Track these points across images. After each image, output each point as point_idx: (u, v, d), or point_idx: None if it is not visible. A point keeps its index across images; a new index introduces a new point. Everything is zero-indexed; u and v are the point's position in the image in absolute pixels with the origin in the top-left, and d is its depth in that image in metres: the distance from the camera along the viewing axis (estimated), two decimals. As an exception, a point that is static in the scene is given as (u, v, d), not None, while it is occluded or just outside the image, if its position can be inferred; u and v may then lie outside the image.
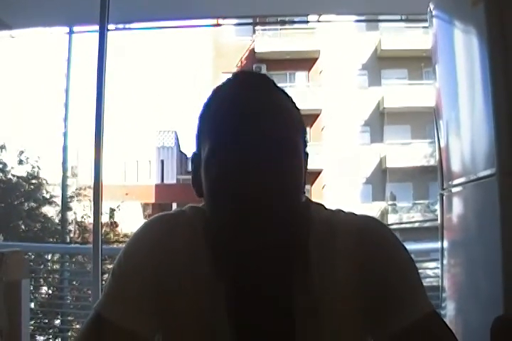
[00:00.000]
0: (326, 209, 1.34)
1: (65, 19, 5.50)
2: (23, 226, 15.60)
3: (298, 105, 1.29)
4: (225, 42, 26.83)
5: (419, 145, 25.47)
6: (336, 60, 26.38)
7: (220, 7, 5.14)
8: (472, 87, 2.79)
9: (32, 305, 6.04)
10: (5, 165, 16.05)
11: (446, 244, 3.32)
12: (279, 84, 1.29)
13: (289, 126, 1.21)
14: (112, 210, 17.42)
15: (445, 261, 3.34)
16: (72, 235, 16.32)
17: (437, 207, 3.55)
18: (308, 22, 18.81)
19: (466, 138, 2.95)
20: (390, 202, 26.12)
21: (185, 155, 26.96)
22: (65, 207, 15.51)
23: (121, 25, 5.88)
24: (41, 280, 7.16)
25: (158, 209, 23.84)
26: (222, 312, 1.22)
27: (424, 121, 21.71)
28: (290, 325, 1.21)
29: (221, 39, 26.89)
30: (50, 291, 7.27)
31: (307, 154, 1.29)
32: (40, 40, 21.91)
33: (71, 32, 7.15)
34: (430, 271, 5.10)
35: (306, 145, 1.28)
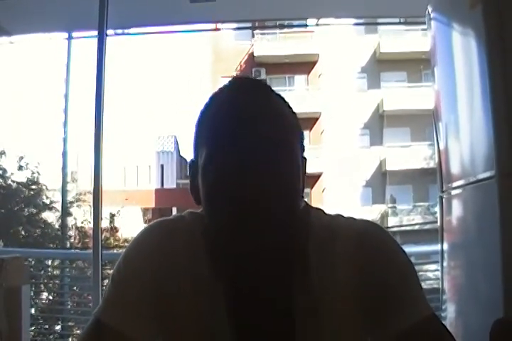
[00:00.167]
0: (325, 214, 1.34)
1: (64, 25, 5.51)
2: (23, 232, 15.60)
3: (296, 109, 1.30)
4: (224, 47, 26.85)
5: (418, 147, 25.47)
6: (335, 63, 26.40)
7: (219, 11, 5.14)
8: (471, 89, 2.79)
9: (32, 310, 6.04)
10: (5, 170, 16.05)
11: (446, 246, 3.32)
12: (278, 88, 1.30)
13: (286, 129, 1.22)
14: (112, 215, 17.41)
15: (445, 264, 3.34)
16: (72, 240, 16.34)
17: (437, 209, 3.55)
18: (307, 25, 18.79)
19: (465, 141, 2.95)
20: (390, 205, 26.11)
21: (185, 160, 26.92)
22: (65, 213, 15.52)
23: (120, 31, 5.89)
24: (41, 285, 7.16)
25: (158, 213, 23.85)
26: (221, 314, 1.23)
27: (423, 124, 21.69)
28: (290, 326, 1.22)
29: (220, 43, 26.91)
30: (50, 297, 7.26)
31: (305, 158, 1.30)
32: (40, 45, 21.92)
33: (70, 37, 7.17)
34: (431, 273, 5.11)
35: (303, 150, 1.28)
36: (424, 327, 1.19)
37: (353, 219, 1.33)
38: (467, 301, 2.95)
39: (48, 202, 16.43)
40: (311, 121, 25.16)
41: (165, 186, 27.27)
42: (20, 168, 15.98)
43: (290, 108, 1.29)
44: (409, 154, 25.68)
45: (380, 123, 26.74)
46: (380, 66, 26.91)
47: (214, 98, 1.27)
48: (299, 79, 27.39)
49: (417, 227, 23.91)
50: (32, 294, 5.78)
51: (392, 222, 25.14)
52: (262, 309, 1.23)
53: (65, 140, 11.34)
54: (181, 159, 27.29)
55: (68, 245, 15.46)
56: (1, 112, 21.86)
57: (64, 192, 14.61)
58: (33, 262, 6.19)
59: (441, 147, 3.32)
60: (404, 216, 25.78)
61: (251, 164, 1.15)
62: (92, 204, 4.43)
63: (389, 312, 1.20)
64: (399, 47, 25.81)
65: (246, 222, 1.14)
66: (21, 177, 16.08)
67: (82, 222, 16.26)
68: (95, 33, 4.51)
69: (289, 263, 1.24)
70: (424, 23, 3.47)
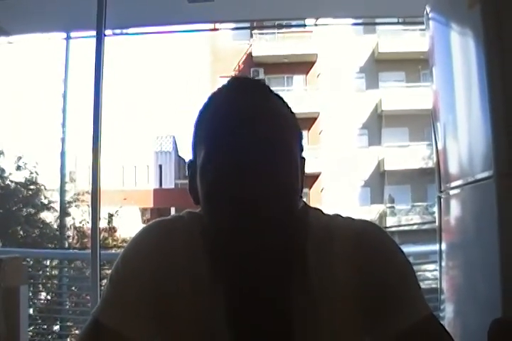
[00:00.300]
0: (324, 214, 1.34)
1: (63, 25, 5.51)
2: (21, 232, 15.57)
3: (295, 109, 1.30)
4: (222, 47, 26.85)
5: (417, 147, 25.48)
6: (334, 63, 26.40)
7: (217, 11, 5.14)
8: (469, 89, 2.79)
9: (31, 310, 6.04)
10: (3, 170, 16.02)
11: (444, 246, 3.32)
12: (276, 88, 1.30)
13: (284, 129, 1.22)
14: (111, 215, 17.37)
15: (443, 263, 3.34)
16: (70, 240, 16.31)
17: (435, 209, 3.55)
18: (305, 25, 18.80)
19: (464, 141, 2.95)
20: (389, 205, 26.12)
21: (184, 160, 26.89)
22: (64, 213, 15.50)
23: (118, 31, 5.89)
24: (40, 286, 7.15)
25: (156, 213, 23.84)
26: (220, 313, 1.22)
27: (422, 124, 21.67)
28: (289, 327, 1.22)
29: (218, 43, 26.91)
30: (48, 297, 7.25)
31: (304, 158, 1.29)
32: (38, 45, 21.89)
33: (68, 37, 7.16)
34: (429, 273, 5.11)
35: (302, 150, 1.28)
36: (422, 327, 1.19)
37: (351, 219, 1.33)
38: (465, 301, 2.95)
39: (46, 202, 16.40)
40: (310, 121, 25.16)
41: (163, 186, 27.26)
42: (18, 168, 15.96)
43: (289, 108, 1.29)
44: (407, 154, 25.69)
45: (378, 123, 26.75)
46: (378, 66, 26.92)
47: (212, 98, 1.27)
48: (298, 79, 27.40)
49: (415, 227, 23.92)
50: (30, 294, 5.78)
51: (390, 221, 25.15)
52: (261, 309, 1.23)
53: (63, 140, 11.34)
54: (180, 159, 27.27)
55: (66, 245, 15.44)
56: (0, 112, 21.83)
57: (62, 192, 14.60)
58: (31, 262, 6.19)
59: (440, 147, 3.32)
60: (402, 216, 25.79)
61: (249, 164, 1.14)
62: (90, 204, 4.43)
63: (387, 312, 1.20)
64: (397, 47, 25.81)
65: (244, 222, 1.14)
66: (19, 177, 16.05)
67: (81, 222, 16.23)
68: (93, 33, 4.51)
69: (288, 263, 1.24)
70: (422, 23, 3.47)
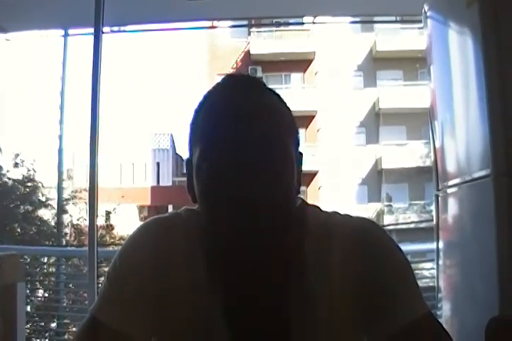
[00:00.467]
0: (321, 211, 1.34)
1: (60, 22, 5.50)
2: (18, 230, 15.57)
3: (293, 107, 1.29)
4: (220, 44, 26.84)
5: (414, 146, 25.48)
6: (331, 61, 26.41)
7: (215, 9, 5.14)
8: (467, 88, 2.79)
9: (28, 308, 6.03)
10: (0, 168, 16.00)
11: (441, 244, 3.32)
12: (274, 86, 1.30)
13: (280, 126, 1.22)
14: (108, 213, 17.39)
15: (441, 262, 3.34)
16: (68, 238, 16.30)
17: (433, 207, 3.55)
18: (303, 23, 18.82)
19: (461, 139, 2.96)
20: (386, 203, 26.14)
21: (181, 158, 26.92)
22: (61, 210, 15.46)
23: (116, 28, 5.89)
24: (37, 283, 7.13)
25: (154, 211, 23.82)
26: (218, 312, 1.22)
27: (419, 122, 21.73)
28: (287, 325, 1.22)
29: (216, 41, 26.90)
30: (46, 294, 7.24)
31: (301, 154, 1.29)
32: (36, 42, 21.87)
33: (66, 35, 7.13)
34: (426, 272, 5.11)
35: (298, 146, 1.28)
36: (420, 326, 1.19)
37: (349, 216, 1.32)
38: (463, 299, 2.95)
39: (43, 199, 16.40)
40: (307, 119, 25.16)
41: (161, 184, 27.25)
42: (16, 165, 15.95)
43: (285, 104, 1.29)
44: (405, 152, 25.70)
45: (376, 122, 26.76)
46: (376, 64, 26.92)
47: (208, 95, 1.27)
48: (295, 77, 27.38)
49: (412, 226, 23.91)
50: (27, 291, 5.78)
51: (388, 220, 25.17)
52: (259, 307, 1.23)
53: (60, 137, 11.30)
54: (177, 157, 27.27)
55: (64, 242, 15.40)
56: (-3, 109, 21.79)
57: (60, 189, 14.54)
58: (28, 259, 6.19)
59: (437, 145, 3.32)
60: (400, 214, 25.81)
61: (245, 161, 1.14)
62: (87, 201, 4.42)
63: (385, 311, 1.20)
64: (395, 46, 25.81)
65: (241, 220, 1.14)
66: (17, 174, 16.04)
67: (78, 220, 16.22)
68: (91, 30, 4.51)
69: (285, 261, 1.23)
70: (420, 21, 3.46)
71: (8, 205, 15.73)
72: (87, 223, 4.62)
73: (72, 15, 5.01)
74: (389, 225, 23.98)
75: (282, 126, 1.23)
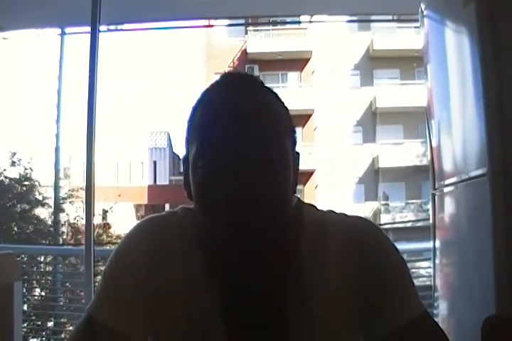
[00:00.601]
0: (317, 210, 1.34)
1: (57, 21, 5.50)
2: (15, 228, 15.53)
3: (289, 106, 1.29)
4: (217, 43, 26.81)
5: (411, 144, 25.49)
6: (328, 60, 26.40)
7: (212, 8, 5.13)
8: (463, 87, 2.80)
9: (25, 307, 6.03)
10: (-3, 166, 15.99)
11: (438, 243, 3.32)
12: (271, 85, 1.29)
13: (277, 125, 1.22)
14: (105, 212, 17.35)
15: (437, 261, 3.35)
16: (64, 237, 16.28)
17: (430, 206, 3.56)
18: (300, 22, 18.85)
19: (458, 138, 2.96)
20: (383, 202, 26.14)
21: (178, 156, 26.84)
22: (58, 209, 15.46)
23: (112, 27, 5.88)
24: (34, 282, 7.14)
25: (150, 210, 23.81)
26: (215, 311, 1.22)
27: (416, 121, 21.68)
28: (284, 324, 1.22)
29: (213, 40, 26.87)
30: (43, 293, 7.25)
31: (298, 154, 1.29)
32: (33, 41, 21.84)
33: (63, 33, 7.14)
34: (423, 271, 5.11)
35: (295, 145, 1.28)
36: (416, 325, 1.19)
37: (344, 215, 1.32)
38: (459, 298, 2.96)
39: (40, 198, 16.35)
40: (304, 118, 25.15)
41: (158, 182, 27.21)
42: (12, 163, 15.91)
43: (282, 103, 1.29)
44: (401, 151, 25.70)
45: (372, 121, 26.75)
46: (373, 63, 26.91)
47: (205, 94, 1.27)
48: (292, 76, 27.37)
49: (409, 224, 23.94)
50: (24, 290, 5.77)
51: (384, 219, 25.17)
52: (256, 306, 1.23)
53: (57, 136, 11.29)
54: (174, 155, 27.23)
55: (61, 241, 15.40)
56: (-6, 108, 21.75)
57: (56, 188, 14.57)
58: (25, 258, 6.20)
59: (434, 144, 3.33)
60: (396, 213, 25.81)
61: (241, 159, 1.14)
62: (84, 200, 4.43)
63: (381, 310, 1.20)
64: (392, 45, 25.80)
65: (237, 219, 1.13)
66: (14, 173, 16.00)
67: (75, 218, 16.19)
68: (88, 28, 4.50)
69: (282, 260, 1.23)
70: (417, 20, 3.47)
71: (4, 204, 15.69)
72: (83, 222, 4.62)
73: (69, 14, 5.00)
74: (386, 224, 23.98)
75: (279, 125, 1.23)
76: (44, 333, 6.77)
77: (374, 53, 26.77)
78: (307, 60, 27.10)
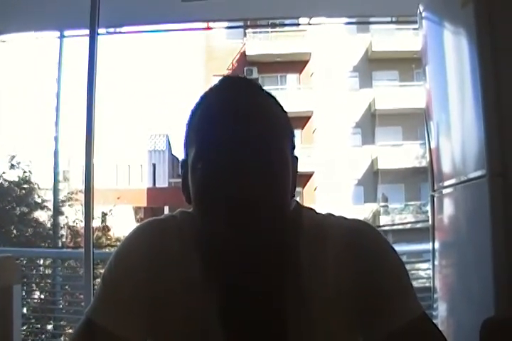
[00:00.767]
0: (316, 213, 1.34)
1: (56, 24, 5.49)
2: (14, 231, 15.52)
3: (288, 108, 1.29)
4: (216, 46, 26.82)
5: (410, 146, 25.48)
6: (327, 62, 26.41)
7: (211, 10, 5.13)
8: (462, 88, 2.80)
9: (24, 310, 6.03)
10: (-4, 169, 15.98)
11: (437, 245, 3.32)
12: (270, 87, 1.31)
13: (276, 128, 1.22)
14: (104, 214, 17.35)
15: (436, 262, 3.35)
16: (64, 240, 16.27)
17: (429, 208, 3.56)
18: (299, 24, 18.80)
19: (457, 140, 2.96)
20: (382, 204, 26.14)
21: (177, 159, 26.83)
22: (57, 212, 15.47)
23: (111, 29, 5.87)
24: (33, 285, 7.13)
25: (150, 212, 23.83)
26: (213, 313, 1.22)
27: (415, 123, 21.68)
28: (283, 327, 1.22)
29: (212, 42, 26.89)
30: (42, 296, 7.24)
31: (296, 158, 1.29)
32: (31, 44, 21.84)
33: (62, 36, 7.13)
34: (422, 272, 5.12)
35: (294, 149, 1.28)
36: (415, 326, 1.19)
37: (343, 218, 1.33)
38: (458, 300, 2.96)
39: (39, 201, 16.36)
40: (303, 120, 25.16)
41: (157, 185, 27.23)
42: (12, 166, 15.91)
43: (280, 106, 1.29)
44: (400, 153, 25.70)
45: (371, 122, 26.76)
46: (371, 65, 26.92)
47: (204, 97, 1.27)
48: (291, 78, 27.38)
49: (408, 226, 23.93)
50: (24, 293, 5.78)
51: (384, 220, 25.17)
52: (254, 308, 1.23)
53: (56, 139, 11.29)
54: (173, 158, 27.25)
55: (60, 244, 15.39)
56: (-7, 111, 21.76)
57: (56, 191, 14.58)
58: (24, 261, 6.18)
59: (433, 146, 3.33)
60: (396, 215, 25.81)
61: (240, 162, 1.14)
62: (83, 203, 4.42)
63: (380, 311, 1.20)
64: (391, 46, 25.81)
65: (236, 222, 1.14)
66: (13, 176, 16.00)
67: (74, 221, 16.19)
68: (87, 31, 4.50)
69: (281, 262, 1.23)
70: (415, 22, 3.47)
71: (4, 207, 15.69)
72: (83, 225, 4.62)
73: (68, 17, 5.00)
74: (385, 226, 24.00)
75: (278, 127, 1.23)
76: (43, 336, 6.75)
77: (373, 55, 26.78)
78: (306, 62, 27.11)
